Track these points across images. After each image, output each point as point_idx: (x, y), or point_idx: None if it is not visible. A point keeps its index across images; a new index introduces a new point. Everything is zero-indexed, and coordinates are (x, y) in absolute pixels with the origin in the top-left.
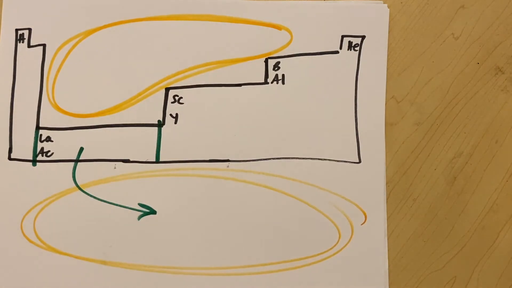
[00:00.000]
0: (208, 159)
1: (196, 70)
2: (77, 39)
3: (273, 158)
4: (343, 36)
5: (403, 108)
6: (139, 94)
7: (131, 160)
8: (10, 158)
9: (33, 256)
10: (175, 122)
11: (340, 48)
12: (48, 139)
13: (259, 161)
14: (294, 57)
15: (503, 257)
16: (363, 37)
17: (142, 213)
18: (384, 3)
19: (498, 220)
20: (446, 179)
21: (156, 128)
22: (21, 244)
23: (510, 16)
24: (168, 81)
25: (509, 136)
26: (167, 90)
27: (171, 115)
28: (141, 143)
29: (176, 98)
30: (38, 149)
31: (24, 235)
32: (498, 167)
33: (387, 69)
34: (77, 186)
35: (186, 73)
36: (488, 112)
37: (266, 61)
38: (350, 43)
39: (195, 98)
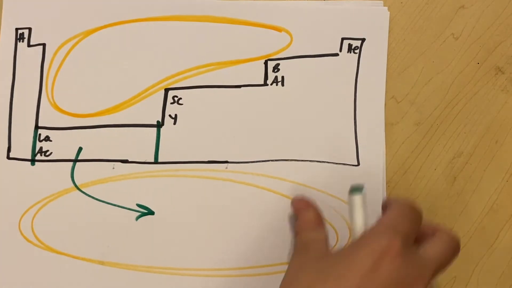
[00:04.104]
0: (206, 160)
1: (195, 71)
2: (77, 39)
3: (272, 160)
4: (343, 39)
5: (403, 108)
6: (139, 95)
7: (129, 160)
8: (8, 157)
9: (30, 255)
10: (174, 123)
11: (340, 50)
12: (47, 138)
13: (257, 163)
14: (294, 59)
15: (503, 257)
16: (363, 40)
17: (140, 213)
18: (384, 3)
19: (498, 220)
20: (446, 179)
21: (155, 129)
22: (19, 244)
23: (510, 16)
24: (168, 82)
25: (509, 136)
26: (167, 90)
27: (170, 116)
28: (140, 143)
29: (176, 99)
30: (37, 149)
31: (22, 234)
32: (498, 167)
33: (387, 69)
34: (76, 186)
35: (186, 74)
36: (488, 112)
37: (265, 63)
38: (350, 45)
39: (195, 99)
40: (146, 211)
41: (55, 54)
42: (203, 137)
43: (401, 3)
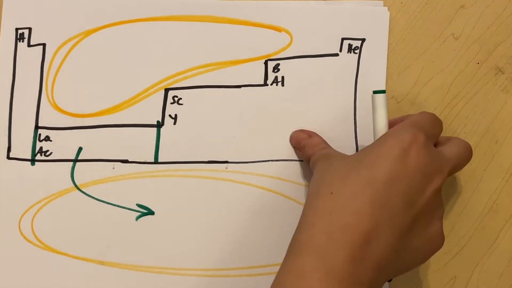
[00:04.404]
0: (206, 160)
1: (195, 71)
2: (77, 39)
3: (272, 160)
4: (343, 39)
5: (403, 108)
6: (139, 95)
7: (129, 160)
8: (8, 157)
9: (30, 255)
10: (174, 123)
11: (340, 50)
12: (47, 138)
13: (258, 163)
14: (294, 59)
15: (503, 257)
16: (363, 40)
17: (140, 213)
18: (384, 3)
19: (498, 220)
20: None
21: (155, 129)
22: (19, 243)
23: (510, 16)
24: (168, 81)
25: (509, 136)
26: (167, 90)
27: (170, 116)
28: (140, 143)
29: (176, 99)
30: (37, 149)
31: (22, 234)
32: (498, 167)
33: (387, 69)
34: (76, 186)
35: (186, 74)
36: (488, 112)
37: (266, 63)
38: (350, 45)
39: (195, 99)
40: (146, 211)
41: (55, 54)
42: (203, 137)
43: (401, 3)
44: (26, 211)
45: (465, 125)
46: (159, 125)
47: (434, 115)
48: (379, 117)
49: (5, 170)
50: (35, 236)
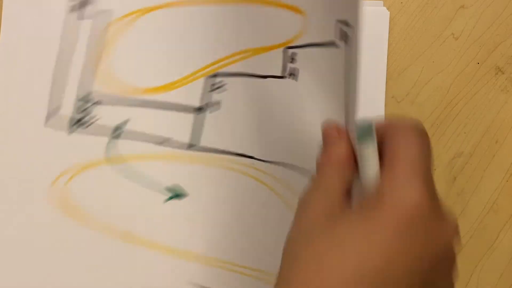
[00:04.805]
0: (238, 152)
1: (240, 56)
2: (133, 16)
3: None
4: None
5: (403, 108)
6: (186, 77)
7: (166, 142)
8: (46, 125)
9: (57, 224)
10: (217, 109)
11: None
12: (87, 110)
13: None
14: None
15: (503, 257)
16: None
17: (169, 196)
18: (384, 3)
19: (498, 220)
20: (446, 179)
21: (195, 114)
22: (47, 211)
23: (510, 16)
24: (213, 67)
25: (509, 136)
26: (211, 77)
27: (212, 102)
28: (179, 127)
29: (218, 85)
30: (76, 119)
31: (50, 202)
32: (498, 167)
33: (387, 69)
34: (108, 160)
35: (231, 59)
36: (488, 112)
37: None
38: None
39: (238, 87)
40: (175, 194)
41: (106, 28)
42: (242, 128)
43: (401, 3)
44: (57, 178)
45: (465, 125)
46: (200, 110)
47: (423, 132)
48: (369, 170)
49: (41, 137)
50: (64, 206)
